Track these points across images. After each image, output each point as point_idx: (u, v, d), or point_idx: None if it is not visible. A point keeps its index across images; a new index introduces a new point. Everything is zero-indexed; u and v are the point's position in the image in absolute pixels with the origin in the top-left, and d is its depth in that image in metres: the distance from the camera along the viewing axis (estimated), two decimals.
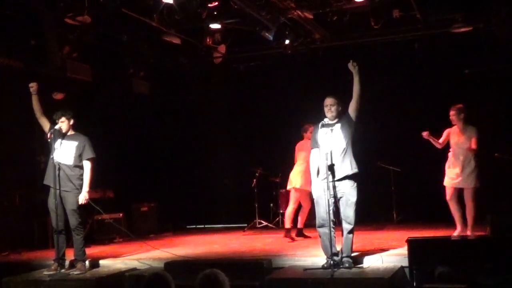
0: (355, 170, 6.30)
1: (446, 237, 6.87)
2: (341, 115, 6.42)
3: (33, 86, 6.98)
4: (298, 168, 8.86)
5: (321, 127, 6.27)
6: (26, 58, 8.99)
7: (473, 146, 7.76)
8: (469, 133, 7.87)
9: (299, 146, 9.04)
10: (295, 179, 8.84)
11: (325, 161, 6.20)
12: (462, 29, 9.64)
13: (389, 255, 6.67)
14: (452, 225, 8.68)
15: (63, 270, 6.94)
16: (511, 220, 6.96)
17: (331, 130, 6.29)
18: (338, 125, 6.36)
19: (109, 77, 10.63)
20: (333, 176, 6.20)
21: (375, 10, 9.39)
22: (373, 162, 10.38)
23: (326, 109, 6.38)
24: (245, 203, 11.50)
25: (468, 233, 7.72)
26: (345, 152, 6.29)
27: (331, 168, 6.18)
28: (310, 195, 7.80)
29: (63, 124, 7.02)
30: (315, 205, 6.40)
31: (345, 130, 6.33)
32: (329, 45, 10.85)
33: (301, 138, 9.06)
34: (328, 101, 6.38)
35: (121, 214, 10.14)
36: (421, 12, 9.49)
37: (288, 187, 9.07)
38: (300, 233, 9.09)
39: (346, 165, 6.27)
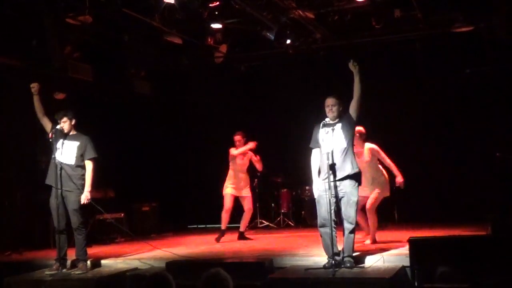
0: (356, 169, 6.30)
1: (447, 237, 6.86)
2: (342, 115, 6.42)
3: (34, 87, 6.98)
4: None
5: (322, 127, 6.27)
6: (27, 58, 9.00)
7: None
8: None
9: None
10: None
11: (326, 160, 6.20)
12: (463, 29, 9.64)
13: (390, 255, 6.66)
14: (453, 225, 8.71)
15: (64, 270, 6.93)
16: None
17: (332, 129, 6.27)
18: (339, 124, 6.36)
19: (110, 77, 10.63)
20: (334, 176, 6.20)
21: (376, 9, 9.37)
22: None
23: (327, 109, 6.38)
24: None
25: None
26: (346, 152, 6.28)
27: (332, 167, 6.18)
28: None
29: (64, 124, 7.02)
30: (317, 204, 6.39)
31: (346, 129, 6.32)
32: (330, 45, 10.85)
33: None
34: (329, 101, 6.37)
35: (122, 214, 10.15)
36: (422, 11, 9.49)
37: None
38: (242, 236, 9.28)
39: (347, 165, 6.26)
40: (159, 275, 3.77)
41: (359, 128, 7.64)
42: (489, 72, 10.02)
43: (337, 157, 6.23)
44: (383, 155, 7.85)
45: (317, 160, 6.47)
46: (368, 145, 7.83)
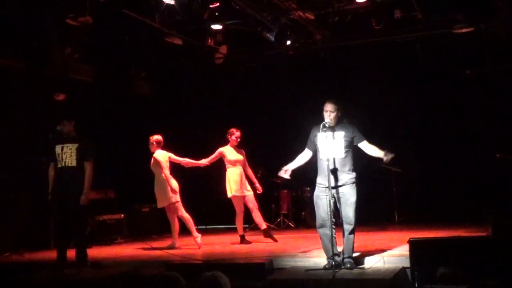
0: (353, 174, 6.30)
1: (447, 238, 6.85)
2: (341, 120, 6.38)
3: None
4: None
5: (322, 130, 6.21)
6: (28, 59, 9.01)
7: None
8: None
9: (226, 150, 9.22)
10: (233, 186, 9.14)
11: (325, 166, 6.14)
12: (464, 30, 9.64)
13: (390, 255, 6.66)
14: (453, 226, 8.71)
15: (64, 271, 6.94)
16: None
17: (332, 134, 6.24)
18: (342, 133, 6.27)
19: (110, 78, 10.64)
20: (336, 179, 6.18)
21: (377, 10, 9.37)
22: (374, 162, 10.36)
23: (325, 115, 6.28)
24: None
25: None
26: (345, 158, 6.25)
27: (333, 172, 6.15)
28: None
29: (64, 127, 7.03)
30: (315, 206, 6.38)
31: (347, 138, 6.27)
32: (330, 46, 10.84)
33: (227, 143, 9.22)
34: (328, 107, 6.30)
35: (122, 215, 10.15)
36: (423, 12, 9.49)
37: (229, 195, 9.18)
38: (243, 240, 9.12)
39: (345, 174, 6.23)
40: (170, 277, 3.73)
41: (157, 137, 8.60)
42: (489, 73, 10.02)
43: (336, 164, 6.21)
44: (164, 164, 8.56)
45: (303, 158, 6.55)
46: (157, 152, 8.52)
